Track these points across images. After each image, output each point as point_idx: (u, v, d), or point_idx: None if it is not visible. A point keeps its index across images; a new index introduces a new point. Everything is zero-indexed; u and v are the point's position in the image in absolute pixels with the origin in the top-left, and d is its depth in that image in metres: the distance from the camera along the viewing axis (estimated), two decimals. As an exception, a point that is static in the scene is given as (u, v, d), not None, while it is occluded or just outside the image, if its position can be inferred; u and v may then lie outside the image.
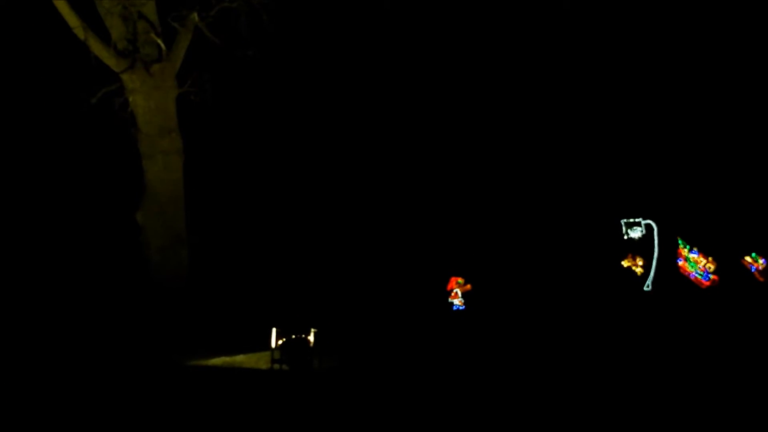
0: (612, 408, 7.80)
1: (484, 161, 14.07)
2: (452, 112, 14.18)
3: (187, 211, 11.30)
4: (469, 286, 12.55)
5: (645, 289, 13.82)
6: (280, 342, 10.06)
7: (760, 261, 15.78)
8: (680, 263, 14.42)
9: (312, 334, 10.09)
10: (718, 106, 14.55)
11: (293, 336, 9.98)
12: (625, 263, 13.86)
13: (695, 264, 14.55)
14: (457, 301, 12.49)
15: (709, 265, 14.60)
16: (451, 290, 12.56)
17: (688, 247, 14.48)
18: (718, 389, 8.49)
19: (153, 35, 11.16)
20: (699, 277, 14.53)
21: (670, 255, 14.31)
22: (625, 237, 13.96)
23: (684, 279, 14.43)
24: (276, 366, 10.08)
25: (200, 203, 11.95)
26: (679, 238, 14.43)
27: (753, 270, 15.60)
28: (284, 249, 12.90)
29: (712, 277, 14.56)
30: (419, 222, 12.95)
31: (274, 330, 10.13)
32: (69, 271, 12.59)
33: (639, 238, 13.98)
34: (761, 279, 15.59)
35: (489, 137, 14.16)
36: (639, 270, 13.91)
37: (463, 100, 14.13)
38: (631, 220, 13.97)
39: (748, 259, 15.58)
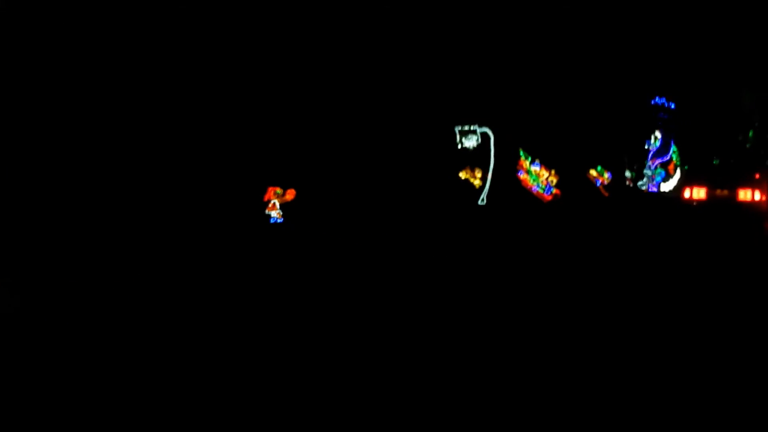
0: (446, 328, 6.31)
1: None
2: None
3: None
4: (289, 196, 10.31)
5: (479, 203, 12.35)
6: None
7: (606, 175, 15.00)
8: (521, 176, 13.19)
9: None
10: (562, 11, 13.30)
11: None
12: (462, 175, 12.35)
13: (537, 177, 13.36)
14: (275, 213, 10.27)
15: (551, 178, 13.50)
16: (268, 201, 10.30)
17: (529, 158, 13.26)
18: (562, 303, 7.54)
19: None
20: (541, 191, 13.39)
21: (510, 167, 13.01)
22: (459, 146, 12.43)
23: (525, 192, 13.26)
24: None
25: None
26: (520, 149, 13.17)
27: (598, 184, 14.81)
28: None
29: (554, 191, 13.49)
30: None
31: None
32: None
33: (474, 147, 12.51)
34: (606, 194, 14.86)
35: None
36: (477, 182, 12.43)
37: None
38: (466, 127, 12.46)
39: (593, 172, 14.76)
